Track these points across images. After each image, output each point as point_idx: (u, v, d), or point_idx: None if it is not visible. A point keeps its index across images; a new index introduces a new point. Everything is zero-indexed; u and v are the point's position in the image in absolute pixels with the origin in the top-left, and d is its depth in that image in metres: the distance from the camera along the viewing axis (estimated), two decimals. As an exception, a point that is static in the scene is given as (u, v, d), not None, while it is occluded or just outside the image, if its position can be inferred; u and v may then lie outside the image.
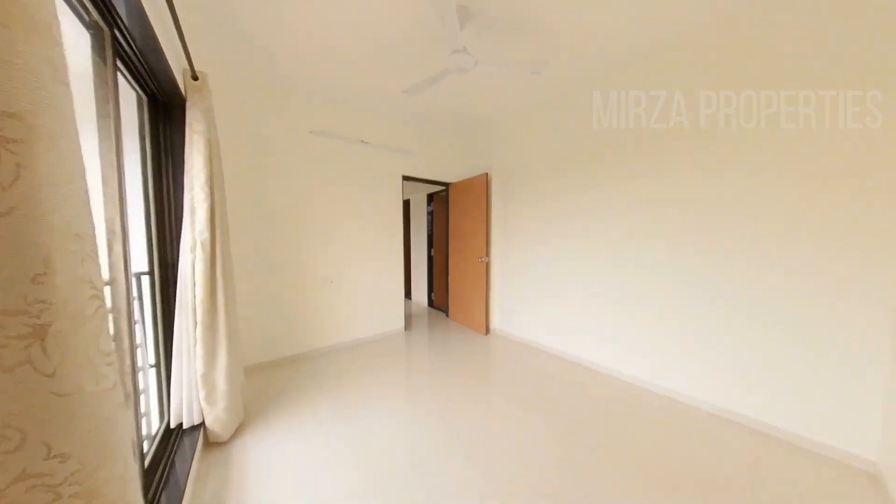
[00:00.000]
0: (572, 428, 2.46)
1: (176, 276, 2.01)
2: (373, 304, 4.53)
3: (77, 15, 1.24)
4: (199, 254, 1.99)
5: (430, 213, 6.67)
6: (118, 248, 1.44)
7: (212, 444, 2.21)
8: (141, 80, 1.76)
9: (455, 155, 5.36)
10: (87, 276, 0.70)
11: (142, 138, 1.88)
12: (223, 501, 1.80)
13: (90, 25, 1.30)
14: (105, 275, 1.41)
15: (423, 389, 3.10)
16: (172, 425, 2.03)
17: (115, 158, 1.40)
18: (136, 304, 1.73)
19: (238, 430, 2.37)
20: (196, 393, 2.08)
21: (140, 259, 1.89)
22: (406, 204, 7.44)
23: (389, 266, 4.70)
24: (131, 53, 1.57)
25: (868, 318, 2.00)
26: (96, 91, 1.35)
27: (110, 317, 1.41)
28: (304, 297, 3.87)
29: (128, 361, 1.48)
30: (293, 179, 3.75)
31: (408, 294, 7.49)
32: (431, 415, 2.64)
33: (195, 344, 2.03)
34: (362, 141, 4.20)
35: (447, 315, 5.78)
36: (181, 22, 1.63)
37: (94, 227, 0.76)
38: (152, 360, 2.00)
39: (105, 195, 1.40)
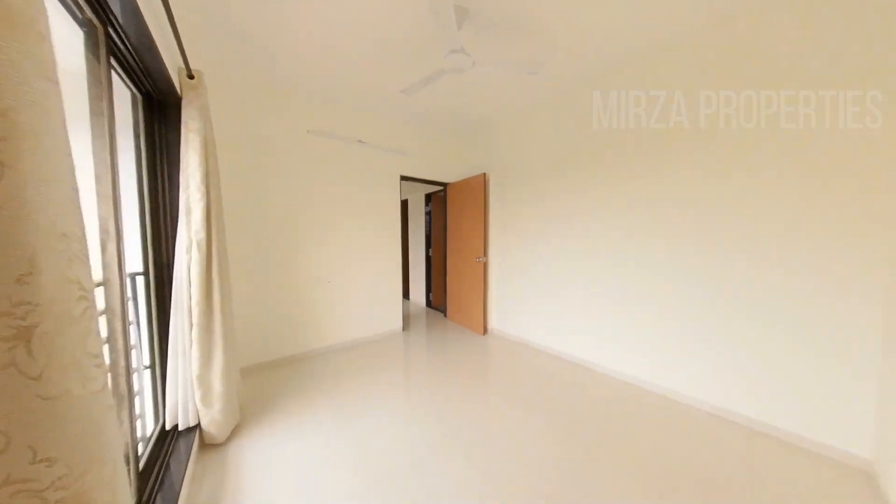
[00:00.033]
0: (571, 428, 2.45)
1: (171, 277, 1.99)
2: (371, 304, 4.51)
3: (70, 12, 1.23)
4: (195, 254, 1.97)
5: (429, 214, 6.66)
6: (112, 247, 1.43)
7: (208, 445, 2.20)
8: (135, 78, 1.74)
9: (453, 155, 5.35)
10: (75, 276, 0.68)
11: (136, 137, 1.86)
12: (219, 503, 1.78)
13: (83, 23, 1.29)
14: (98, 275, 1.40)
15: (421, 389, 3.08)
16: (168, 427, 2.01)
17: (108, 157, 1.38)
18: (130, 304, 1.71)
19: (234, 432, 2.35)
20: (191, 394, 2.06)
21: (135, 259, 1.87)
22: (404, 204, 7.42)
23: (387, 266, 4.69)
24: (125, 51, 1.55)
25: (868, 319, 2.00)
26: (90, 89, 1.34)
27: (104, 318, 1.40)
28: (302, 297, 3.86)
29: (122, 363, 1.46)
30: (290, 179, 3.74)
31: (406, 294, 7.47)
32: (430, 415, 2.63)
33: (191, 345, 2.01)
34: (360, 141, 4.19)
35: (445, 315, 5.77)
36: (177, 19, 1.62)
37: (83, 227, 0.74)
38: (147, 362, 1.98)
39: (99, 194, 1.38)
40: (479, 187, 4.72)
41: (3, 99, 0.55)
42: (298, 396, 2.91)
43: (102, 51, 1.35)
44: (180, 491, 1.68)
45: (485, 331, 4.89)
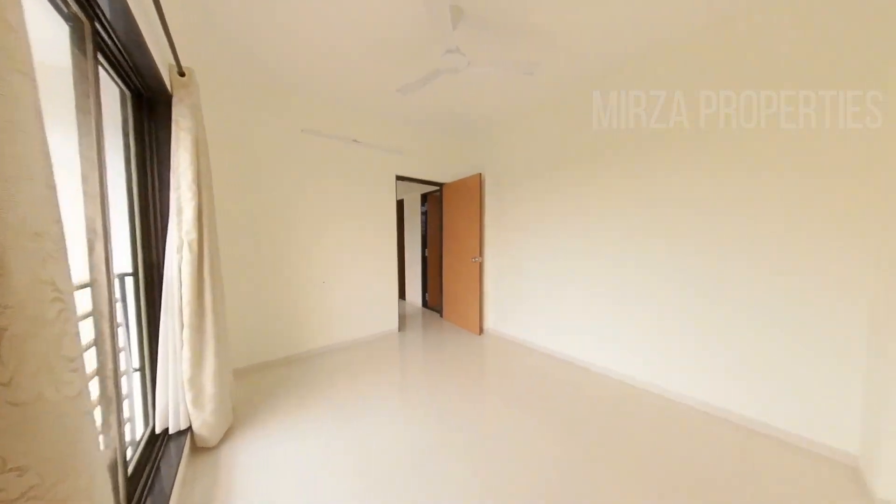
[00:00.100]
0: (569, 427, 2.43)
1: (161, 278, 1.95)
2: (367, 304, 4.48)
3: (55, 6, 1.20)
4: (186, 254, 1.94)
5: (425, 214, 6.64)
6: (100, 248, 1.39)
7: (199, 449, 2.16)
8: (124, 75, 1.70)
9: (449, 155, 5.32)
10: (49, 277, 0.65)
11: (125, 135, 1.82)
12: (210, 508, 1.76)
13: (69, 17, 1.25)
14: (85, 276, 1.37)
15: (418, 389, 3.06)
16: (158, 430, 1.98)
17: (95, 155, 1.35)
18: (119, 306, 1.68)
19: (227, 435, 2.32)
20: (182, 397, 2.02)
21: (124, 260, 1.83)
22: (400, 204, 7.40)
23: (383, 266, 4.66)
24: (113, 47, 1.52)
25: (866, 318, 1.99)
26: (76, 86, 1.31)
27: (90, 320, 1.37)
28: (297, 298, 3.83)
29: (110, 365, 1.43)
30: (285, 179, 3.70)
31: (402, 295, 7.45)
32: (428, 415, 2.61)
33: (182, 347, 1.98)
34: (355, 140, 4.15)
35: (441, 315, 5.76)
36: (167, 16, 1.59)
37: (60, 226, 0.72)
38: (137, 364, 1.94)
39: (85, 193, 1.35)
40: (475, 187, 4.70)
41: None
42: (293, 397, 2.88)
43: (89, 47, 1.32)
44: (171, 495, 1.65)
45: (481, 331, 4.88)
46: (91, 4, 1.29)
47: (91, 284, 1.37)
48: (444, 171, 5.26)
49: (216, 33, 2.63)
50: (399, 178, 4.77)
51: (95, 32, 1.36)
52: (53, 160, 0.71)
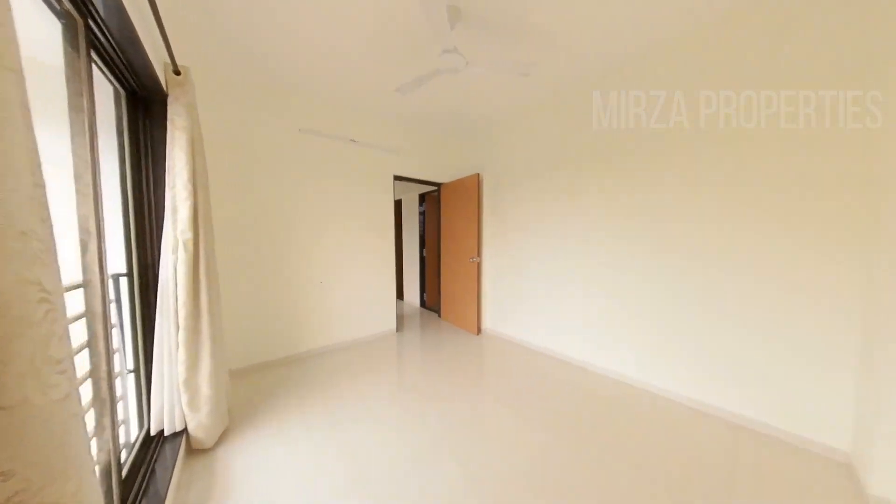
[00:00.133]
0: (566, 427, 2.43)
1: (156, 278, 1.94)
2: (364, 304, 4.47)
3: (47, 3, 1.18)
4: (182, 254, 1.92)
5: (422, 214, 6.62)
6: (93, 248, 1.38)
7: (195, 451, 2.14)
8: (118, 74, 1.69)
9: (447, 155, 5.31)
10: (35, 277, 0.64)
11: (119, 134, 1.80)
12: (206, 510, 1.74)
13: (62, 14, 1.24)
14: (78, 276, 1.35)
15: (416, 390, 3.05)
16: (153, 432, 1.96)
17: (89, 154, 1.34)
18: (113, 306, 1.66)
19: (223, 436, 2.30)
20: (178, 398, 2.00)
21: (118, 260, 1.81)
22: (398, 204, 7.38)
23: (381, 266, 4.65)
24: (107, 45, 1.50)
25: (858, 318, 2.01)
26: (69, 84, 1.29)
27: (83, 321, 1.36)
28: (296, 298, 3.81)
29: (104, 367, 1.42)
30: (285, 179, 3.69)
31: (400, 295, 7.44)
32: (426, 415, 2.60)
33: (177, 348, 1.96)
34: (352, 140, 4.14)
35: (439, 315, 5.75)
36: (162, 14, 1.57)
37: (49, 225, 0.70)
38: (131, 366, 1.92)
39: (79, 192, 1.33)
40: (473, 187, 4.69)
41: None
42: (293, 397, 2.87)
43: (82, 44, 1.31)
44: (166, 498, 1.63)
45: (479, 331, 4.87)
46: (84, 2, 1.28)
47: (84, 285, 1.35)
48: (441, 172, 5.25)
49: (216, 33, 2.62)
50: (397, 178, 4.75)
51: (89, 30, 1.34)
52: (43, 158, 0.70)
